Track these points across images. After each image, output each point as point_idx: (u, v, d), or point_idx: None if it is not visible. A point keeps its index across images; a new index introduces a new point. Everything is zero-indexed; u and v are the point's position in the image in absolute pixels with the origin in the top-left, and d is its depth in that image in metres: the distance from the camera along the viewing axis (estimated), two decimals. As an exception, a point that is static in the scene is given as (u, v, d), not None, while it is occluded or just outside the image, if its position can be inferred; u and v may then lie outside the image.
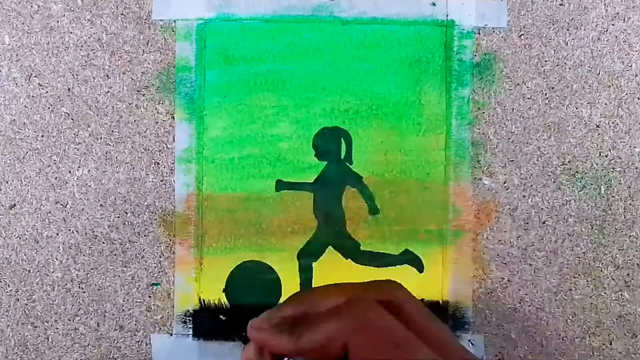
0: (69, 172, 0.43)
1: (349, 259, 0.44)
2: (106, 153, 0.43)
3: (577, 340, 0.43)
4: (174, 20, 0.43)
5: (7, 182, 0.43)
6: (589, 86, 0.44)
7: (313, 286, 0.43)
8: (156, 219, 0.43)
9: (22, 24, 0.43)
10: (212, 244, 0.44)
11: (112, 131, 0.43)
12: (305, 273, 0.43)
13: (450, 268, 0.43)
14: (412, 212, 0.44)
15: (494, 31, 0.44)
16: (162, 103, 0.43)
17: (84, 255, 0.43)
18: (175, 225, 0.43)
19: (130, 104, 0.43)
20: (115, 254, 0.43)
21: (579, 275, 0.44)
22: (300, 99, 0.44)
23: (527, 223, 0.44)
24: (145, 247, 0.43)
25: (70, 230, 0.43)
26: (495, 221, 0.44)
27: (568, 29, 0.44)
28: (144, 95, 0.43)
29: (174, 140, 0.43)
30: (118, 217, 0.43)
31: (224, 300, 0.43)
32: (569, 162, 0.44)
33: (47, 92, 0.43)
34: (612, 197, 0.43)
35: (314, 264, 0.44)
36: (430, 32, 0.44)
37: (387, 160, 0.44)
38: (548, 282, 0.43)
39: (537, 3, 0.44)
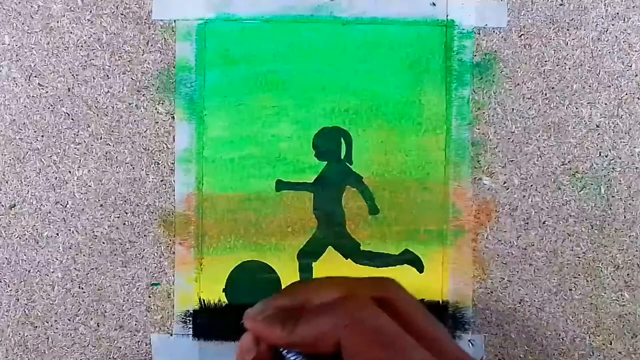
0: (69, 172, 0.43)
1: (349, 259, 0.44)
2: (106, 153, 0.43)
3: (577, 340, 0.43)
4: (174, 20, 0.43)
5: (7, 182, 0.43)
6: (589, 86, 0.44)
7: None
8: (156, 219, 0.43)
9: (22, 24, 0.43)
10: (212, 244, 0.44)
11: (112, 131, 0.43)
12: (305, 273, 0.43)
13: (450, 268, 0.43)
14: (412, 212, 0.44)
15: (494, 31, 0.44)
16: (162, 103, 0.43)
17: (84, 255, 0.43)
18: (175, 225, 0.43)
19: (130, 104, 0.43)
20: (115, 254, 0.43)
21: (579, 275, 0.44)
22: (300, 99, 0.44)
23: (527, 223, 0.44)
24: (145, 247, 0.43)
25: (70, 230, 0.43)
26: (495, 221, 0.44)
27: (568, 29, 0.44)
28: (144, 95, 0.43)
29: (174, 140, 0.43)
30: (118, 217, 0.43)
31: (224, 300, 0.43)
32: (569, 162, 0.44)
33: (47, 92, 0.43)
34: (612, 197, 0.43)
35: (314, 264, 0.44)
36: (430, 32, 0.44)
37: (387, 160, 0.44)
38: (548, 282, 0.43)
39: (537, 3, 0.44)
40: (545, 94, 0.44)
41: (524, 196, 0.44)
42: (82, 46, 0.43)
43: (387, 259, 0.44)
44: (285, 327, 0.25)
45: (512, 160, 0.44)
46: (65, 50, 0.43)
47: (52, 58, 0.43)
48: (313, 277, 0.43)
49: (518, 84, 0.44)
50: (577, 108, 0.44)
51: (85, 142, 0.43)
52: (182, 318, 0.43)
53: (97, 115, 0.43)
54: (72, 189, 0.43)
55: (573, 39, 0.44)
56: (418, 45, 0.44)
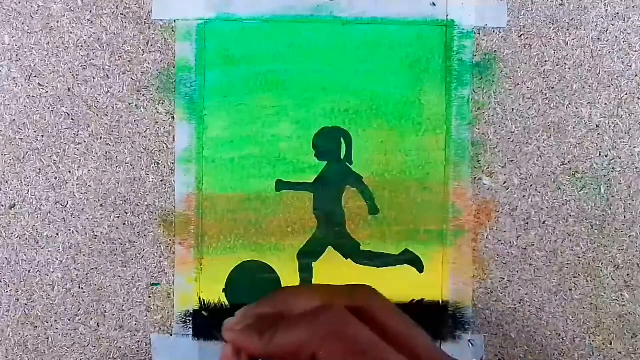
0: (69, 172, 0.43)
1: (349, 259, 0.44)
2: (106, 153, 0.43)
3: (577, 340, 0.43)
4: (174, 20, 0.43)
5: (7, 182, 0.43)
6: (589, 86, 0.44)
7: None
8: (156, 219, 0.43)
9: (22, 24, 0.43)
10: (212, 244, 0.44)
11: (112, 131, 0.43)
12: (305, 273, 0.43)
13: (450, 268, 0.43)
14: (412, 212, 0.44)
15: (494, 31, 0.44)
16: (162, 103, 0.43)
17: (84, 255, 0.43)
18: (175, 225, 0.43)
19: (130, 104, 0.43)
20: (115, 254, 0.43)
21: (579, 275, 0.44)
22: (300, 99, 0.44)
23: (527, 223, 0.44)
24: (145, 247, 0.43)
25: (70, 230, 0.43)
26: (495, 221, 0.44)
27: (568, 29, 0.44)
28: (144, 95, 0.43)
29: (174, 140, 0.43)
30: (118, 217, 0.43)
31: (224, 300, 0.43)
32: (569, 162, 0.44)
33: (47, 92, 0.43)
34: (612, 197, 0.43)
35: (314, 264, 0.44)
36: (430, 32, 0.44)
37: (387, 160, 0.44)
38: (548, 282, 0.44)
39: (537, 3, 0.44)
40: (545, 94, 0.44)
41: (524, 196, 0.44)
42: (82, 46, 0.43)
43: (387, 259, 0.44)
44: (263, 337, 0.25)
45: (512, 160, 0.44)
46: (65, 50, 0.43)
47: (52, 58, 0.43)
48: (313, 277, 0.43)
49: (518, 84, 0.44)
50: (577, 108, 0.44)
51: (85, 142, 0.43)
52: (182, 318, 0.43)
53: (97, 115, 0.43)
54: (72, 189, 0.43)
55: (573, 39, 0.44)
56: (418, 45, 0.44)
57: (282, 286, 0.43)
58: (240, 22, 0.44)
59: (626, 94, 0.44)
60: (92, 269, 0.43)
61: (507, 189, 0.44)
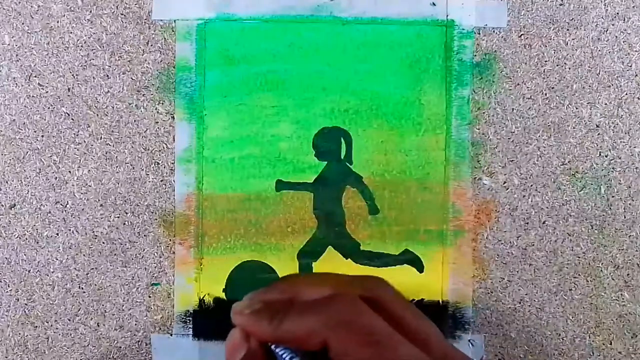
0: (69, 172, 0.43)
1: (349, 259, 0.44)
2: (106, 153, 0.43)
3: (577, 340, 0.43)
4: (174, 20, 0.43)
5: (7, 182, 0.43)
6: (589, 86, 0.44)
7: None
8: (156, 219, 0.43)
9: (22, 24, 0.43)
10: (212, 244, 0.44)
11: (112, 131, 0.43)
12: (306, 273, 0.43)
13: (450, 268, 0.43)
14: (412, 212, 0.44)
15: (494, 31, 0.44)
16: (162, 103, 0.43)
17: (84, 255, 0.43)
18: (175, 225, 0.43)
19: (130, 104, 0.43)
20: (115, 254, 0.43)
21: (579, 275, 0.44)
22: (300, 99, 0.44)
23: (527, 223, 0.44)
24: (145, 247, 0.43)
25: (70, 230, 0.43)
26: (495, 221, 0.44)
27: (568, 29, 0.44)
28: (144, 95, 0.43)
29: (174, 140, 0.43)
30: (118, 217, 0.43)
31: (224, 300, 0.43)
32: (569, 162, 0.44)
33: (47, 92, 0.43)
34: (612, 197, 0.43)
35: (314, 264, 0.44)
36: (430, 32, 0.44)
37: (387, 160, 0.44)
38: (548, 282, 0.44)
39: (537, 3, 0.44)
40: (545, 94, 0.44)
41: (524, 196, 0.44)
42: (82, 46, 0.43)
43: (387, 259, 0.44)
44: (272, 322, 0.25)
45: (512, 160, 0.44)
46: (65, 50, 0.43)
47: (52, 58, 0.43)
48: (313, 277, 0.43)
49: (518, 84, 0.44)
50: (577, 108, 0.44)
51: (85, 142, 0.43)
52: (182, 318, 0.43)
53: (97, 115, 0.43)
54: (72, 189, 0.43)
55: (573, 39, 0.44)
56: (418, 45, 0.44)
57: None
58: (240, 22, 0.44)
59: (626, 94, 0.44)
60: (92, 269, 0.43)
61: (507, 189, 0.44)
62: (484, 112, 0.44)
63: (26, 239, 0.43)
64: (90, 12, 0.43)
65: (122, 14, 0.43)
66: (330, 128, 0.44)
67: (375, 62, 0.44)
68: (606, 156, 0.44)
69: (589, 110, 0.44)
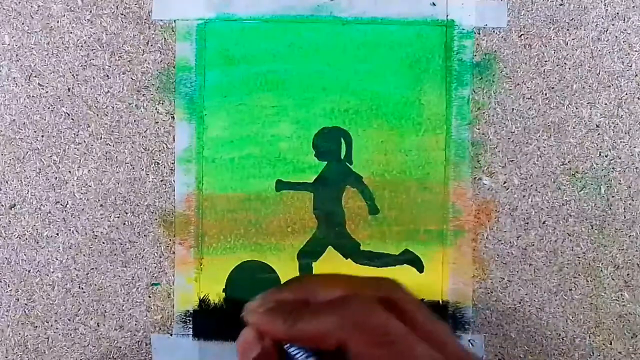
0: (69, 172, 0.43)
1: (349, 259, 0.44)
2: (106, 153, 0.43)
3: (577, 340, 0.43)
4: (174, 20, 0.43)
5: (7, 182, 0.43)
6: (589, 86, 0.44)
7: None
8: (156, 219, 0.43)
9: (22, 24, 0.43)
10: (212, 244, 0.44)
11: (112, 131, 0.43)
12: (306, 273, 0.43)
13: (450, 268, 0.43)
14: (412, 212, 0.44)
15: (494, 31, 0.44)
16: (162, 103, 0.43)
17: (84, 255, 0.43)
18: (175, 225, 0.43)
19: (130, 104, 0.43)
20: (115, 254, 0.43)
21: (579, 275, 0.44)
22: (300, 99, 0.44)
23: (527, 223, 0.44)
24: (145, 247, 0.43)
25: (70, 230, 0.43)
26: (495, 221, 0.44)
27: (568, 29, 0.44)
28: (144, 95, 0.43)
29: (174, 140, 0.43)
30: (118, 217, 0.43)
31: (224, 300, 0.43)
32: (569, 162, 0.44)
33: (47, 92, 0.43)
34: (612, 197, 0.43)
35: (314, 264, 0.44)
36: (430, 32, 0.44)
37: (387, 160, 0.44)
38: (548, 282, 0.44)
39: (537, 3, 0.44)
40: (545, 94, 0.44)
41: (524, 196, 0.44)
42: (82, 46, 0.43)
43: (387, 259, 0.44)
44: (287, 321, 0.25)
45: (512, 160, 0.44)
46: (65, 50, 0.43)
47: (52, 58, 0.43)
48: (313, 277, 0.43)
49: (518, 84, 0.44)
50: (577, 108, 0.44)
51: (85, 142, 0.43)
52: (182, 318, 0.43)
53: (97, 115, 0.43)
54: (72, 189, 0.43)
55: (573, 39, 0.44)
56: (418, 45, 0.44)
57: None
58: (240, 22, 0.44)
59: (626, 94, 0.44)
60: (92, 269, 0.43)
61: (507, 189, 0.44)
62: (484, 112, 0.44)
63: (26, 239, 0.43)
64: (90, 12, 0.43)
65: (122, 14, 0.43)
66: (330, 128, 0.44)
67: (375, 62, 0.44)
68: (606, 156, 0.44)
69: (589, 110, 0.44)
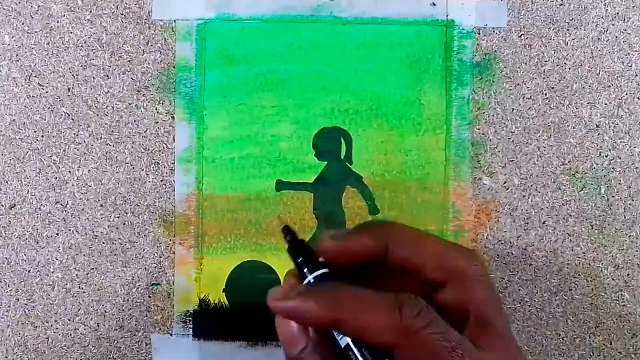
0: (69, 172, 0.43)
1: (349, 259, 0.44)
2: (106, 153, 0.43)
3: (577, 340, 0.43)
4: (174, 20, 0.43)
5: (7, 182, 0.43)
6: (589, 86, 0.44)
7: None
8: (156, 219, 0.43)
9: (22, 24, 0.43)
10: (212, 244, 0.44)
11: (112, 131, 0.43)
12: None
13: (450, 268, 0.43)
14: (412, 212, 0.44)
15: (494, 31, 0.44)
16: (162, 103, 0.43)
17: (84, 255, 0.43)
18: (175, 225, 0.43)
19: (130, 104, 0.43)
20: (115, 254, 0.43)
21: (579, 275, 0.44)
22: (300, 99, 0.44)
23: (527, 223, 0.44)
24: (145, 247, 0.43)
25: (70, 230, 0.43)
26: (495, 221, 0.44)
27: (568, 29, 0.44)
28: (144, 95, 0.43)
29: (174, 140, 0.43)
30: (118, 217, 0.43)
31: (224, 300, 0.43)
32: (569, 162, 0.44)
33: (47, 92, 0.43)
34: (612, 197, 0.43)
35: (314, 264, 0.44)
36: (430, 32, 0.44)
37: (387, 160, 0.44)
38: (548, 282, 0.43)
39: (537, 3, 0.44)
40: (545, 94, 0.44)
41: (524, 196, 0.44)
42: (82, 46, 0.43)
43: (387, 259, 0.43)
44: (326, 300, 0.24)
45: (512, 160, 0.44)
46: (65, 50, 0.43)
47: (52, 58, 0.43)
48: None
49: (518, 84, 0.44)
50: (577, 108, 0.44)
51: (85, 142, 0.43)
52: (182, 318, 0.43)
53: (97, 115, 0.43)
54: (72, 189, 0.43)
55: (573, 39, 0.44)
56: (418, 45, 0.44)
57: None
58: (240, 22, 0.44)
59: (626, 94, 0.44)
60: (92, 269, 0.43)
61: (507, 189, 0.44)
62: (484, 112, 0.44)
63: (26, 239, 0.43)
64: (90, 12, 0.43)
65: (122, 14, 0.43)
66: (330, 128, 0.44)
67: (375, 62, 0.44)
68: (606, 156, 0.44)
69: (589, 110, 0.44)
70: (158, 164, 0.43)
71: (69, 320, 0.43)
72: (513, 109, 0.44)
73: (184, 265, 0.43)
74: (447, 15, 0.44)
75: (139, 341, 0.43)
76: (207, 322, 0.43)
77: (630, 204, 0.43)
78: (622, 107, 0.44)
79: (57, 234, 0.43)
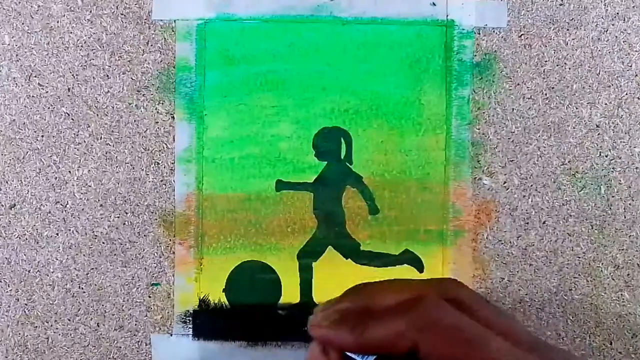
0: (69, 172, 0.43)
1: (349, 259, 0.44)
2: (106, 153, 0.43)
3: (577, 340, 0.43)
4: (174, 20, 0.43)
5: (7, 182, 0.43)
6: (589, 86, 0.44)
7: (314, 286, 0.43)
8: (156, 219, 0.43)
9: (22, 24, 0.43)
10: (212, 244, 0.44)
11: (112, 131, 0.43)
12: (305, 273, 0.43)
13: (450, 268, 0.43)
14: (412, 212, 0.44)
15: (494, 31, 0.44)
16: (162, 103, 0.43)
17: (84, 255, 0.43)
18: (175, 225, 0.43)
19: (130, 104, 0.43)
20: (115, 254, 0.43)
21: (579, 275, 0.44)
22: (300, 99, 0.44)
23: (527, 223, 0.44)
24: (145, 247, 0.43)
25: (70, 230, 0.43)
26: (495, 221, 0.44)
27: (568, 29, 0.44)
28: (144, 95, 0.43)
29: (174, 140, 0.43)
30: (118, 217, 0.43)
31: (224, 300, 0.43)
32: (569, 162, 0.44)
33: (47, 92, 0.43)
34: (612, 197, 0.43)
35: (314, 264, 0.44)
36: (430, 32, 0.44)
37: (387, 160, 0.44)
38: (548, 282, 0.44)
39: (537, 3, 0.44)
40: (545, 94, 0.44)
41: (524, 196, 0.44)
42: (82, 46, 0.43)
43: (387, 259, 0.44)
44: (354, 331, 0.25)
45: (512, 160, 0.44)
46: (65, 50, 0.43)
47: (52, 58, 0.43)
48: (313, 277, 0.43)
49: (518, 84, 0.44)
50: (577, 108, 0.44)
51: (85, 142, 0.43)
52: (182, 318, 0.43)
53: (97, 115, 0.43)
54: (72, 189, 0.43)
55: (573, 39, 0.44)
56: (418, 45, 0.44)
57: (283, 286, 0.43)
58: (240, 22, 0.44)
59: (626, 94, 0.44)
60: (92, 269, 0.43)
61: (507, 189, 0.44)
62: (484, 112, 0.44)
63: (26, 239, 0.43)
64: (90, 12, 0.43)
65: (122, 14, 0.43)
66: (330, 128, 0.44)
67: (375, 62, 0.44)
68: (606, 156, 0.44)
69: (589, 110, 0.44)
70: (158, 164, 0.43)
71: (69, 320, 0.43)
72: (513, 109, 0.44)
73: (184, 265, 0.43)
74: (447, 15, 0.44)
75: (139, 341, 0.43)
76: (207, 322, 0.43)
77: (630, 204, 0.43)
78: (622, 107, 0.44)
79: (57, 234, 0.43)
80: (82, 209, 0.43)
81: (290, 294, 0.43)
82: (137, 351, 0.43)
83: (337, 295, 0.28)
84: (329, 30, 0.44)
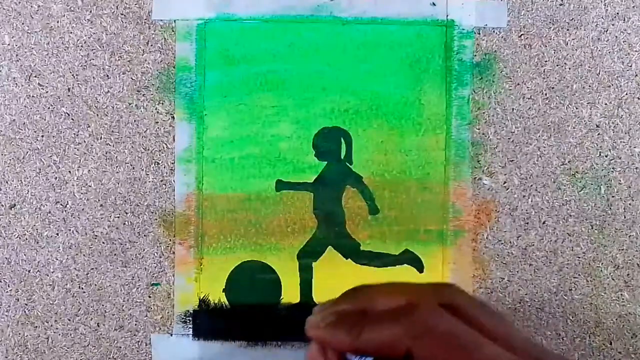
0: (69, 172, 0.43)
1: (349, 259, 0.44)
2: (106, 153, 0.43)
3: (577, 340, 0.43)
4: (174, 20, 0.43)
5: (7, 182, 0.43)
6: (589, 86, 0.44)
7: (314, 286, 0.43)
8: (156, 219, 0.43)
9: (22, 24, 0.43)
10: (212, 244, 0.44)
11: (112, 131, 0.43)
12: (305, 273, 0.43)
13: (450, 268, 0.43)
14: (412, 212, 0.44)
15: (494, 31, 0.44)
16: (162, 103, 0.43)
17: (84, 255, 0.43)
18: (175, 225, 0.43)
19: (130, 104, 0.43)
20: (115, 254, 0.43)
21: (579, 275, 0.44)
22: (300, 99, 0.44)
23: (527, 223, 0.44)
24: (145, 247, 0.43)
25: (70, 230, 0.43)
26: (495, 221, 0.44)
27: (568, 29, 0.44)
28: (144, 95, 0.43)
29: (174, 140, 0.43)
30: (118, 217, 0.43)
31: (224, 300, 0.43)
32: (569, 162, 0.44)
33: (47, 92, 0.43)
34: (612, 197, 0.43)
35: (314, 264, 0.44)
36: (430, 32, 0.44)
37: (387, 160, 0.44)
38: (548, 282, 0.44)
39: (537, 3, 0.44)
40: (545, 94, 0.44)
41: (524, 196, 0.44)
42: (82, 46, 0.43)
43: (387, 259, 0.44)
44: (351, 332, 0.25)
45: (512, 160, 0.44)
46: (65, 50, 0.43)
47: (52, 58, 0.43)
48: (313, 277, 0.43)
49: (518, 84, 0.44)
50: (577, 108, 0.44)
51: (85, 142, 0.43)
52: (182, 318, 0.43)
53: (97, 115, 0.43)
54: (72, 189, 0.43)
55: (573, 39, 0.44)
56: (418, 45, 0.44)
57: (283, 286, 0.43)
58: (240, 22, 0.44)
59: (626, 94, 0.44)
60: (92, 269, 0.43)
61: (507, 189, 0.44)
62: (484, 112, 0.44)
63: (26, 239, 0.43)
64: (90, 12, 0.43)
65: (122, 14, 0.43)
66: (330, 128, 0.44)
67: (375, 62, 0.44)
68: (606, 156, 0.44)
69: (589, 110, 0.44)
70: (158, 164, 0.43)
71: (69, 320, 0.43)
72: (513, 109, 0.44)
73: (184, 265, 0.43)
74: (447, 15, 0.44)
75: (139, 341, 0.43)
76: (207, 322, 0.43)
77: (630, 204, 0.43)
78: (622, 107, 0.44)
79: (57, 234, 0.43)
80: (82, 209, 0.43)
81: (290, 294, 0.43)
82: (137, 351, 0.43)
83: (336, 296, 0.28)
84: (329, 30, 0.44)
